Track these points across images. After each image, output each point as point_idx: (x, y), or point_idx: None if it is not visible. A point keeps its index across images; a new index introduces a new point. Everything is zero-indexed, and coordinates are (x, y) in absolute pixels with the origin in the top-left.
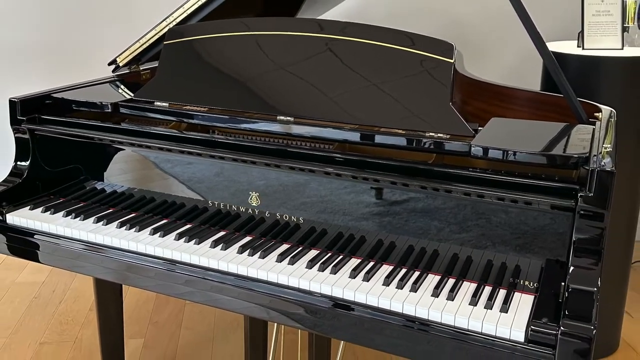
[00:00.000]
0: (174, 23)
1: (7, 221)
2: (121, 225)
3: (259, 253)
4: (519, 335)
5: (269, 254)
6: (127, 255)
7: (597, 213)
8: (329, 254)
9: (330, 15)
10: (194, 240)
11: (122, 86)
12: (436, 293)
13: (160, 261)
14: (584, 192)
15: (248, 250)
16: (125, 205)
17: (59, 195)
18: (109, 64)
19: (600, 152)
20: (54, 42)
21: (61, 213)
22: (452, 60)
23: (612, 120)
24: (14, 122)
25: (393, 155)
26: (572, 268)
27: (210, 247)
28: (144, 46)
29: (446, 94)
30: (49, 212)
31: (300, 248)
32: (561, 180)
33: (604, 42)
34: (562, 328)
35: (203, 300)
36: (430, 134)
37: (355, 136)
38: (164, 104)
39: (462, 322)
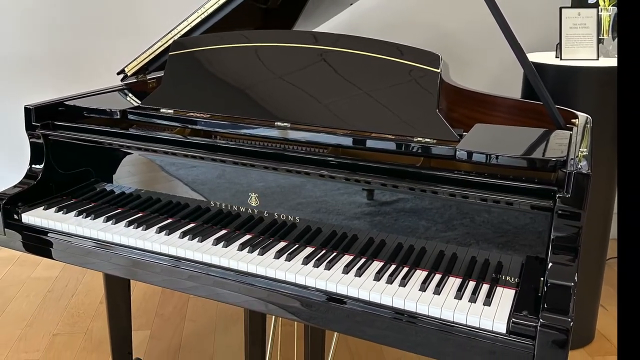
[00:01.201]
0: (179, 35)
1: (23, 220)
2: (129, 224)
3: (258, 250)
4: (501, 327)
5: (267, 251)
6: (134, 252)
7: (574, 213)
8: (324, 251)
9: (324, 27)
10: (197, 238)
11: (130, 94)
12: (423, 287)
13: (166, 258)
14: (562, 193)
15: (248, 248)
16: (133, 205)
17: (71, 196)
18: (118, 74)
19: (577, 156)
20: (66, 53)
21: (73, 213)
22: (438, 70)
23: (588, 126)
24: (29, 127)
25: (383, 158)
26: (550, 264)
27: (212, 244)
28: (151, 57)
29: (433, 101)
30: (61, 212)
31: (297, 245)
32: (540, 182)
33: (581, 53)
34: (541, 320)
35: (206, 294)
36: (418, 138)
37: (347, 141)
38: (169, 111)
39: (447, 315)
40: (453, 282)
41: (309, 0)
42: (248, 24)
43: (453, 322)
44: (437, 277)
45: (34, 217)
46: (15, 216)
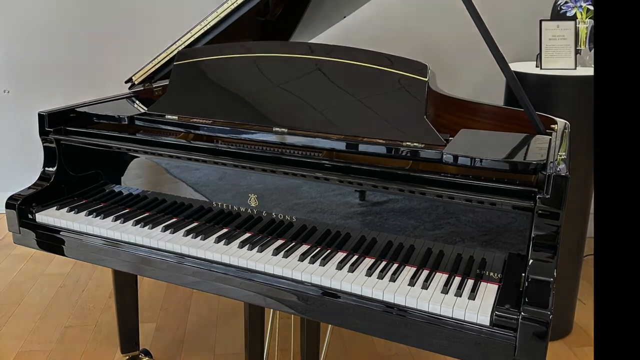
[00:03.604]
0: (183, 46)
1: (37, 220)
2: (136, 223)
3: (257, 248)
4: (485, 320)
5: (266, 249)
6: (141, 250)
7: (553, 213)
8: (319, 249)
9: (319, 39)
10: (200, 237)
11: (137, 101)
12: (412, 283)
13: (171, 255)
14: (542, 195)
15: (247, 245)
16: (140, 205)
17: (81, 197)
18: (126, 82)
19: (556, 159)
20: (77, 63)
21: (84, 212)
22: (426, 79)
23: (567, 131)
24: (42, 133)
25: (374, 162)
26: (531, 261)
27: (214, 242)
28: (157, 66)
29: (421, 108)
30: (73, 211)
31: (294, 243)
32: (522, 184)
33: (559, 63)
34: (522, 313)
35: (208, 289)
36: (407, 143)
37: (341, 145)
38: (174, 117)
39: (435, 308)
40: (440, 278)
41: (305, 13)
42: (248, 36)
43: (440, 315)
44: (425, 272)
45: (47, 216)
46: (30, 216)
